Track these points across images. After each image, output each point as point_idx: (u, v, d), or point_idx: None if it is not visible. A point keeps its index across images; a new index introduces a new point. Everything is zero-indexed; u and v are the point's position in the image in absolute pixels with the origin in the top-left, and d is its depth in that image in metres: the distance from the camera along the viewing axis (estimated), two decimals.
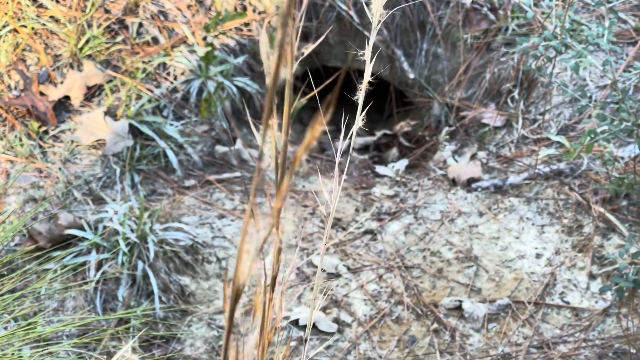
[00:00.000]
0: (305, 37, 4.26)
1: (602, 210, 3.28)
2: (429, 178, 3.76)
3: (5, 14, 3.83)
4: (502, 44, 4.09)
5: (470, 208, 3.49)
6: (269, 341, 0.89)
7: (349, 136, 0.86)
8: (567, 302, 3.03)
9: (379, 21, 0.84)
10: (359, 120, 0.75)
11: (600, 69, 3.57)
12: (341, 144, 0.91)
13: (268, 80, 0.72)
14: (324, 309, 3.09)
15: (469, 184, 3.62)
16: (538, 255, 3.21)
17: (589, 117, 3.48)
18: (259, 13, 4.15)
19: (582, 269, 3.14)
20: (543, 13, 3.69)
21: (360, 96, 0.85)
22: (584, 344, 2.86)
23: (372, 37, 0.83)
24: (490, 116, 3.92)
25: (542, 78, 3.80)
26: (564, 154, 3.51)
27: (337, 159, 0.78)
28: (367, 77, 0.84)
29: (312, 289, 3.13)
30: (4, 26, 3.83)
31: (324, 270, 3.25)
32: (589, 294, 3.05)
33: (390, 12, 0.82)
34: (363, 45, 0.86)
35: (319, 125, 0.71)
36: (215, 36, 4.02)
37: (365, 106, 0.91)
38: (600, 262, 3.14)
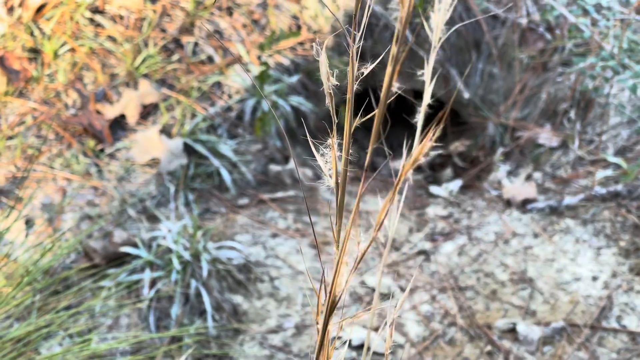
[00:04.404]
0: (361, 57, 4.26)
1: None
2: (483, 199, 3.73)
3: (64, 33, 3.88)
4: (558, 64, 4.05)
5: (525, 229, 3.45)
6: None
7: (404, 167, 0.85)
8: (624, 326, 2.98)
9: (440, 38, 0.83)
10: (426, 142, 0.74)
11: None
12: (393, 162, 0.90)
13: (328, 100, 0.71)
14: (375, 329, 3.07)
15: (523, 205, 3.58)
16: (594, 278, 3.17)
17: None
18: (314, 32, 4.16)
19: None
20: (600, 33, 3.65)
21: (419, 118, 0.84)
22: None
23: (432, 56, 0.82)
24: (546, 136, 3.88)
25: (599, 98, 3.76)
26: (622, 176, 3.46)
27: (397, 182, 0.77)
28: (427, 98, 0.83)
29: (365, 309, 3.11)
30: (62, 45, 3.88)
31: (375, 291, 3.23)
32: None
33: (451, 31, 0.81)
34: (418, 64, 0.86)
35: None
36: (270, 55, 4.04)
37: (420, 127, 0.90)
38: None
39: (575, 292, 3.13)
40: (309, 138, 0.76)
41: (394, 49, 0.69)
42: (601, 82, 3.65)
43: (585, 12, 3.74)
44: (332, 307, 0.80)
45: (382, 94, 0.71)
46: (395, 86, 0.72)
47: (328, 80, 0.74)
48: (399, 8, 0.80)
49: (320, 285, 0.80)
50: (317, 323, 0.81)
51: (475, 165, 4.19)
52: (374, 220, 3.71)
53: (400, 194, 3.84)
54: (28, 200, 3.31)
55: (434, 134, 0.74)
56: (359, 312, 0.84)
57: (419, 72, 0.83)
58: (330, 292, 0.79)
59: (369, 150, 0.74)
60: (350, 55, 0.70)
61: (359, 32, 0.70)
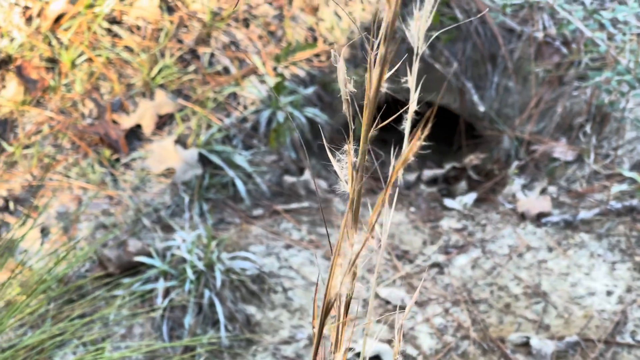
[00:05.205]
0: None
1: None
2: (497, 212, 3.72)
3: (82, 43, 3.90)
4: (574, 78, 4.05)
5: (539, 243, 3.44)
6: None
7: (395, 167, 0.85)
8: (639, 342, 2.97)
9: (423, 46, 0.83)
10: (415, 142, 0.75)
11: None
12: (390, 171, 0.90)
13: (345, 107, 0.71)
14: (389, 342, 3.06)
15: (538, 219, 3.57)
16: (609, 293, 3.15)
17: None
18: (330, 44, 4.17)
19: None
20: (617, 47, 3.65)
21: (406, 126, 0.84)
22: None
23: (415, 64, 0.83)
24: (562, 150, 3.87)
25: (615, 113, 3.75)
26: (637, 190, 3.45)
27: (389, 182, 0.77)
28: (413, 105, 0.83)
29: (378, 320, 3.11)
30: (79, 55, 3.90)
31: (388, 303, 3.23)
32: None
33: (430, 41, 0.82)
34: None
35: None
36: (286, 67, 4.05)
37: (413, 135, 0.89)
38: None
39: (590, 307, 3.12)
40: (325, 145, 0.76)
41: (382, 49, 0.69)
42: (617, 97, 3.64)
43: (602, 27, 3.74)
44: (327, 309, 0.80)
45: (371, 96, 0.71)
46: (385, 86, 0.72)
47: (345, 86, 0.74)
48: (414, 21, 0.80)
49: (316, 289, 0.80)
50: (314, 327, 0.81)
51: (489, 179, 4.19)
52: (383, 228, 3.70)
53: (412, 202, 3.83)
54: (44, 208, 3.32)
55: (422, 133, 0.74)
56: (354, 317, 0.84)
57: (403, 79, 0.83)
58: (325, 294, 0.79)
59: (360, 151, 0.74)
60: (369, 60, 0.71)
61: (376, 39, 0.71)
